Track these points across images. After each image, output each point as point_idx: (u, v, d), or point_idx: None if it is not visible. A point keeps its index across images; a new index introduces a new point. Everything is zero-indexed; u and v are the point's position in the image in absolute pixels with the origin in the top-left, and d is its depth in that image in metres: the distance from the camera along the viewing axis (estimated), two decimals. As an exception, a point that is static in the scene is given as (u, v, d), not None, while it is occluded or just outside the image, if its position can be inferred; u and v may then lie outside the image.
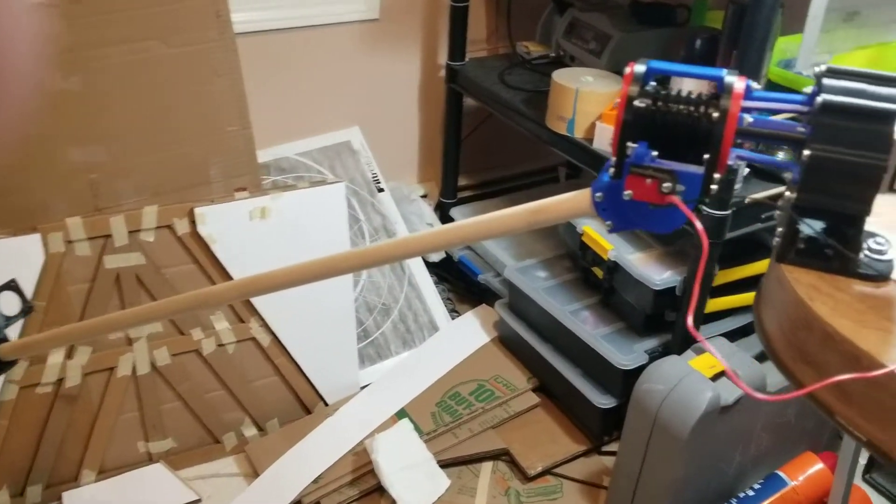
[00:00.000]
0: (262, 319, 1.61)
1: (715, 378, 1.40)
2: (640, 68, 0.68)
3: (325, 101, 1.91)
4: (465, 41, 1.90)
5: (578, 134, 1.59)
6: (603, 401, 1.58)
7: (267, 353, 1.64)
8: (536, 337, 1.73)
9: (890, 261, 0.67)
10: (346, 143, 1.97)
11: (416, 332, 1.85)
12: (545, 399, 1.74)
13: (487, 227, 0.79)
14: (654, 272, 1.52)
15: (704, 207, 1.40)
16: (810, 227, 0.67)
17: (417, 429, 1.61)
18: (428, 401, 1.69)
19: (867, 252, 0.67)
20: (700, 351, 1.47)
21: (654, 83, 0.69)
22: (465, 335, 1.85)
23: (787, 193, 0.65)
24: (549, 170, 2.28)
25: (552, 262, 1.82)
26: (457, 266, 2.04)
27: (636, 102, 0.67)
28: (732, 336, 1.58)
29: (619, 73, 1.71)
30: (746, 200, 1.38)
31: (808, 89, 0.64)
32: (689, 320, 1.39)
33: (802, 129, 0.63)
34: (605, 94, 1.56)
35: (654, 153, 0.67)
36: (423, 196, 2.12)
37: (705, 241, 0.66)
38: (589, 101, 1.56)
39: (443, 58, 1.95)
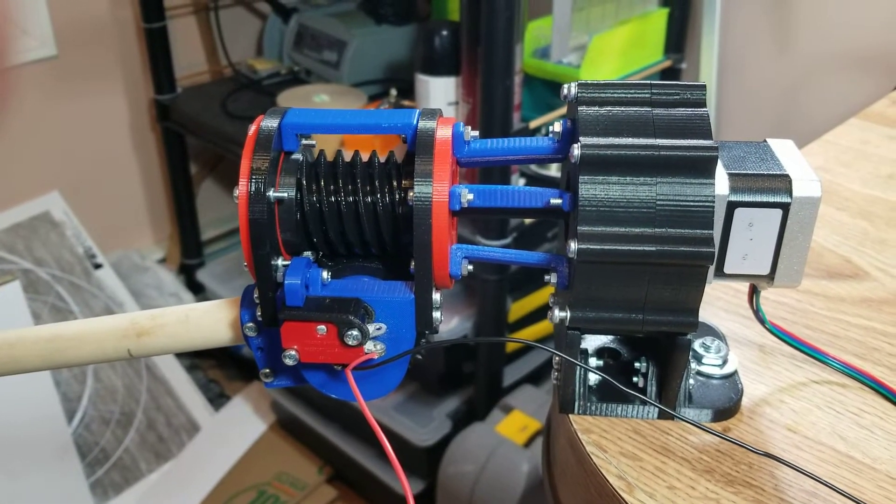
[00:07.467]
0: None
1: (529, 443, 1.15)
2: (268, 124, 0.38)
3: (7, 168, 1.47)
4: (172, 68, 1.52)
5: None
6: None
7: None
8: (320, 417, 1.41)
9: (733, 380, 0.41)
10: (43, 214, 1.54)
11: (170, 438, 1.47)
12: (344, 489, 1.42)
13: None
14: (438, 323, 1.24)
15: (482, 238, 1.14)
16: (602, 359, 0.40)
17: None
18: (195, 530, 1.33)
19: (699, 375, 0.41)
20: (508, 409, 1.22)
21: (306, 142, 0.39)
22: (235, 429, 1.50)
23: (557, 311, 0.37)
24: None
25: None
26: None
27: (271, 194, 0.36)
28: (541, 373, 1.35)
29: (363, 84, 1.44)
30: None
31: (557, 126, 0.36)
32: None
33: (558, 200, 0.36)
34: (343, 116, 1.26)
35: (326, 274, 0.37)
36: (162, 260, 1.72)
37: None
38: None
39: (152, 91, 1.57)
